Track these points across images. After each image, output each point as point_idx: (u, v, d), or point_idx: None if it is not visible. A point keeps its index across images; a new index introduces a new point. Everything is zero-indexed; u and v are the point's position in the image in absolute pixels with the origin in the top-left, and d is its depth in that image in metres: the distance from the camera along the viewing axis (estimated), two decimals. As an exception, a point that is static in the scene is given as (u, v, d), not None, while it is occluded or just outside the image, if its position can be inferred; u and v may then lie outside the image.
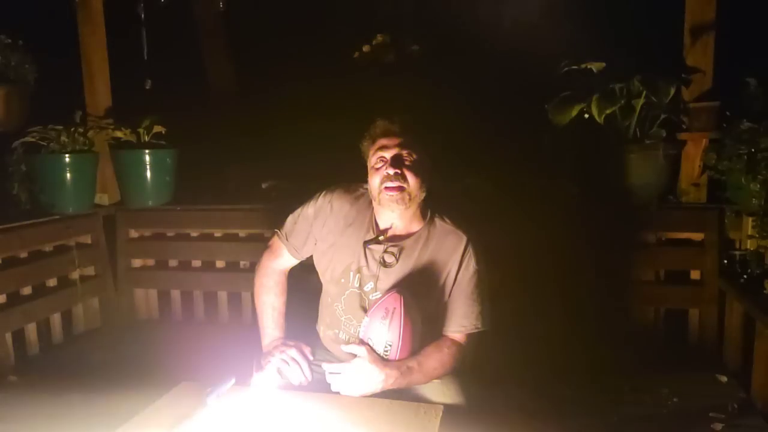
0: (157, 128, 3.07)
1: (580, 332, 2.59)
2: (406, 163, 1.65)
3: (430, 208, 1.76)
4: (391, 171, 1.64)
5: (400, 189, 1.64)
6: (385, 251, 1.70)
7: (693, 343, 2.58)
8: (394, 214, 1.69)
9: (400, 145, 1.66)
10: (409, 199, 1.66)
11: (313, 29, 4.60)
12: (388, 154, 1.66)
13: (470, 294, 1.69)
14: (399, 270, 1.70)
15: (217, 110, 5.02)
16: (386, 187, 1.64)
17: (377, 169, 1.67)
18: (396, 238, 1.72)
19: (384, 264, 1.70)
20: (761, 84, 2.47)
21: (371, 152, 1.71)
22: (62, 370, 2.49)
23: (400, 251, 1.71)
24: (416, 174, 1.65)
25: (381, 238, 1.71)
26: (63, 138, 2.89)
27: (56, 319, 2.82)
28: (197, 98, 4.89)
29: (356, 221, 1.76)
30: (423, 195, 1.69)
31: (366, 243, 1.72)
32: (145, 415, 1.45)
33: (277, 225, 1.90)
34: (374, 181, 1.67)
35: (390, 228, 1.73)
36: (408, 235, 1.73)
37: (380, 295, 1.64)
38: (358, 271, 1.72)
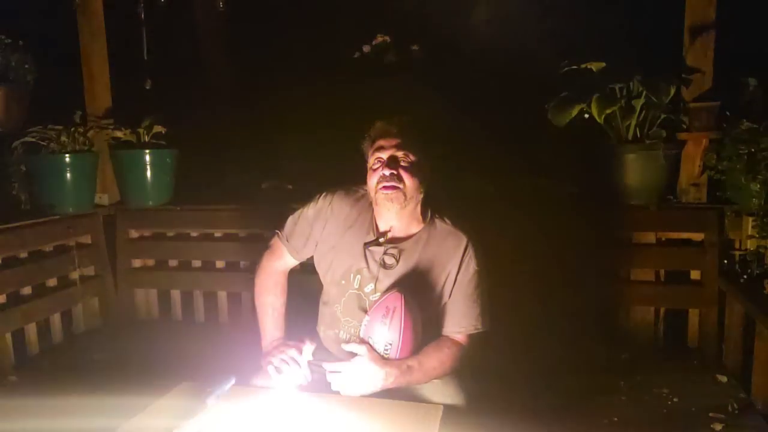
0: (157, 128, 3.07)
1: (579, 332, 2.60)
2: (403, 164, 1.66)
3: (430, 209, 1.76)
4: (387, 172, 1.64)
5: (396, 188, 1.64)
6: (385, 253, 1.71)
7: (693, 343, 2.58)
8: (393, 214, 1.69)
9: (397, 147, 1.66)
10: (405, 199, 1.65)
11: (313, 29, 4.60)
12: (384, 155, 1.67)
13: (470, 295, 1.69)
14: (399, 271, 1.70)
15: (217, 110, 5.02)
16: (382, 186, 1.65)
17: (374, 169, 1.68)
18: (396, 240, 1.73)
19: (384, 266, 1.70)
20: (761, 84, 2.47)
21: (370, 153, 1.71)
22: (62, 370, 2.49)
23: (400, 253, 1.71)
24: (412, 175, 1.65)
25: (381, 240, 1.71)
26: (63, 138, 2.89)
27: (56, 319, 2.82)
28: (197, 98, 4.88)
29: (357, 223, 1.76)
30: (420, 195, 1.70)
31: (366, 245, 1.72)
32: (145, 415, 1.45)
33: (277, 225, 1.90)
34: (371, 181, 1.68)
35: (390, 230, 1.73)
36: (408, 237, 1.73)
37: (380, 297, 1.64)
38: (359, 272, 1.72)
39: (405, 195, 1.65)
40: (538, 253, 2.59)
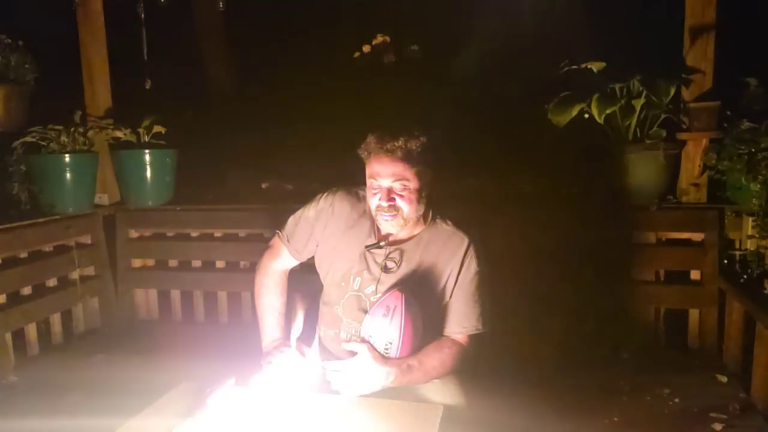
0: (157, 128, 3.07)
1: (579, 332, 2.59)
2: (400, 192, 1.62)
3: (432, 209, 1.76)
4: (385, 204, 1.62)
5: (394, 216, 1.64)
6: (387, 256, 1.70)
7: (693, 343, 2.58)
8: (392, 230, 1.69)
9: (393, 176, 1.61)
10: (404, 222, 1.66)
11: (313, 29, 4.60)
12: (382, 184, 1.63)
13: (471, 295, 1.69)
14: (400, 273, 1.70)
15: (217, 110, 5.02)
16: (380, 213, 1.64)
17: (373, 193, 1.66)
18: (397, 241, 1.72)
19: (385, 269, 1.70)
20: (761, 84, 2.47)
21: (366, 170, 1.67)
22: (62, 370, 2.49)
23: (402, 254, 1.71)
24: (410, 201, 1.63)
25: (383, 243, 1.71)
26: (63, 138, 2.89)
27: (56, 319, 2.81)
28: (197, 98, 4.89)
29: (357, 224, 1.76)
30: (421, 209, 1.68)
31: (368, 247, 1.72)
32: (145, 414, 1.45)
33: (277, 225, 1.90)
34: (370, 201, 1.68)
35: (392, 233, 1.72)
36: (409, 238, 1.73)
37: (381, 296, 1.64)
38: (359, 274, 1.72)
39: (403, 219, 1.65)
40: (539, 253, 2.58)
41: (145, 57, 3.51)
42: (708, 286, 2.53)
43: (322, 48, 4.32)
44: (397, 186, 1.61)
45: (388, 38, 3.58)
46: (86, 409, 2.03)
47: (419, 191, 1.64)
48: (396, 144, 1.59)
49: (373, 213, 1.68)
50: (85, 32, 3.19)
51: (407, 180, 1.61)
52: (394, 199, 1.62)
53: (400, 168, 1.60)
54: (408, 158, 1.60)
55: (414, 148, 1.60)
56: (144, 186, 3.10)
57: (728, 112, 2.49)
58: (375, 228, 1.74)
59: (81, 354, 2.68)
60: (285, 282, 1.88)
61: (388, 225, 1.66)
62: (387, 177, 1.61)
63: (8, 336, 2.53)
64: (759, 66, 2.56)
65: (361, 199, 1.79)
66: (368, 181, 1.67)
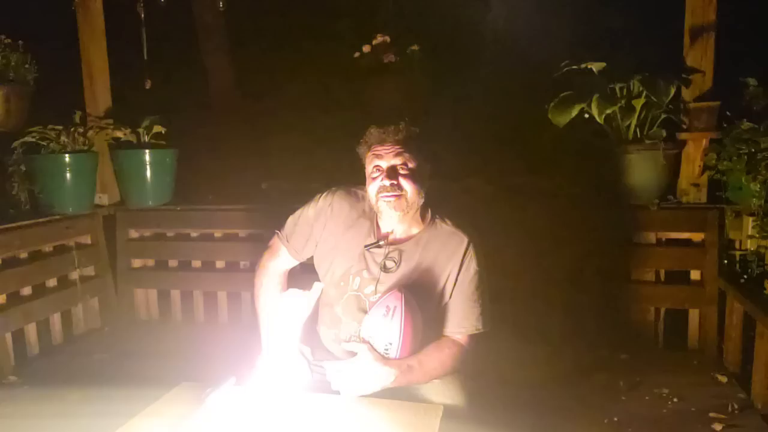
0: (157, 128, 3.07)
1: (579, 332, 2.60)
2: (402, 172, 1.65)
3: (431, 209, 1.76)
4: (387, 182, 1.64)
5: (397, 197, 1.64)
6: (387, 256, 1.70)
7: (693, 343, 2.58)
8: (395, 219, 1.69)
9: (395, 155, 1.65)
10: (407, 205, 1.66)
11: (313, 29, 4.60)
12: (383, 164, 1.65)
13: (471, 295, 1.69)
14: (400, 273, 1.69)
15: (217, 110, 5.02)
16: (383, 195, 1.65)
17: (374, 178, 1.67)
18: (396, 241, 1.72)
19: (385, 269, 1.70)
20: (761, 84, 2.48)
21: (367, 160, 1.70)
22: (62, 370, 2.49)
23: (401, 254, 1.71)
24: (413, 181, 1.65)
25: (382, 243, 1.71)
26: (63, 138, 2.89)
27: (56, 319, 2.82)
28: (197, 98, 4.89)
29: (357, 224, 1.76)
30: (421, 200, 1.69)
31: (367, 247, 1.72)
32: (145, 415, 1.45)
33: (277, 225, 1.90)
34: (371, 189, 1.68)
35: (391, 232, 1.73)
36: (408, 238, 1.73)
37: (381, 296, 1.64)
38: (358, 274, 1.72)
39: (407, 201, 1.65)
40: (539, 253, 2.59)
41: (145, 57, 3.51)
42: (708, 286, 2.53)
43: (322, 47, 4.32)
44: (398, 163, 1.65)
45: (388, 38, 3.57)
46: (86, 409, 2.03)
47: (421, 176, 1.67)
48: (398, 128, 1.67)
49: (375, 200, 1.68)
50: (85, 32, 3.19)
51: (409, 161, 1.66)
52: (397, 178, 1.64)
53: (402, 149, 1.66)
54: (409, 141, 1.67)
55: (414, 133, 1.68)
56: (144, 186, 3.10)
57: (728, 113, 2.49)
58: (374, 227, 1.74)
59: (81, 354, 2.69)
60: (285, 282, 1.88)
61: (391, 209, 1.65)
62: (390, 157, 1.65)
63: (8, 336, 2.53)
64: (759, 66, 2.56)
65: (360, 199, 1.79)
66: (369, 170, 1.69)
